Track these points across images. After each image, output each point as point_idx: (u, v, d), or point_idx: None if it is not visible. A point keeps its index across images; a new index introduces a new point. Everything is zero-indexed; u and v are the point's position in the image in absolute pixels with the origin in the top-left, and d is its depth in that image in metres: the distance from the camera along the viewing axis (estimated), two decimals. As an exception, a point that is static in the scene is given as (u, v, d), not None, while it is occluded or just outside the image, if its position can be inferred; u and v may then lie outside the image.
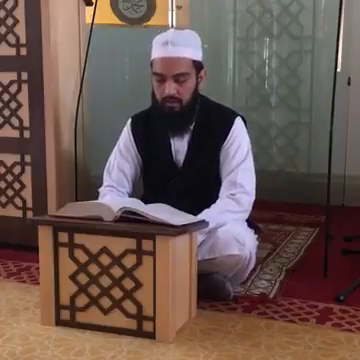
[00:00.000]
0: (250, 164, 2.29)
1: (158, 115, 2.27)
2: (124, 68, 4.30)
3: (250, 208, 2.28)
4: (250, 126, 2.41)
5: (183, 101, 2.21)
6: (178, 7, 3.48)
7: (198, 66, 2.24)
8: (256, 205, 2.31)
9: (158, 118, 2.28)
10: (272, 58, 4.11)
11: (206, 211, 2.16)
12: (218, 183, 2.28)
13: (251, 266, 2.27)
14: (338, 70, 2.39)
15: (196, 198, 2.22)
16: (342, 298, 2.17)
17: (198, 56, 2.24)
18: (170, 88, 2.18)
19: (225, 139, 2.25)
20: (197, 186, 2.27)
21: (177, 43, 2.18)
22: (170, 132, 2.28)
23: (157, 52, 2.21)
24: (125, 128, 2.41)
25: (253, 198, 2.28)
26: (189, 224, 1.93)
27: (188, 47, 2.20)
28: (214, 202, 2.22)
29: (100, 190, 2.38)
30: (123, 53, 4.25)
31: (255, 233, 2.37)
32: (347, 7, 2.66)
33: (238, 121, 2.30)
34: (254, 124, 3.92)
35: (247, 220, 2.31)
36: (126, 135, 2.39)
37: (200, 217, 2.08)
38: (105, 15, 3.51)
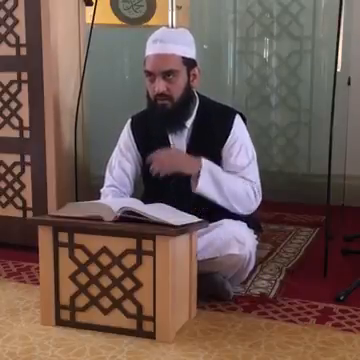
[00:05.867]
0: (255, 164, 2.29)
1: (152, 113, 2.27)
2: (124, 68, 4.31)
3: (260, 199, 2.27)
4: (250, 126, 2.40)
5: (174, 98, 2.20)
6: (178, 7, 3.48)
7: (189, 63, 2.22)
8: (256, 205, 2.31)
9: (153, 116, 2.27)
10: (272, 58, 4.10)
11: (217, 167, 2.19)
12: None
13: (251, 266, 2.26)
14: (338, 70, 2.39)
15: (196, 197, 2.22)
16: (342, 298, 2.17)
17: (189, 53, 2.23)
18: (159, 85, 2.17)
19: (227, 138, 2.25)
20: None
21: (166, 40, 2.18)
22: (166, 130, 2.28)
23: (148, 50, 2.23)
24: (125, 128, 2.42)
25: (260, 197, 2.27)
26: (189, 224, 1.93)
27: (177, 44, 2.18)
28: (213, 202, 2.22)
29: (102, 191, 2.39)
30: (123, 53, 4.25)
31: (255, 233, 2.36)
32: (347, 7, 2.66)
33: (238, 119, 2.30)
34: (254, 124, 3.92)
35: (247, 220, 2.30)
36: (126, 135, 2.40)
37: (211, 168, 2.14)
38: (105, 15, 3.51)
